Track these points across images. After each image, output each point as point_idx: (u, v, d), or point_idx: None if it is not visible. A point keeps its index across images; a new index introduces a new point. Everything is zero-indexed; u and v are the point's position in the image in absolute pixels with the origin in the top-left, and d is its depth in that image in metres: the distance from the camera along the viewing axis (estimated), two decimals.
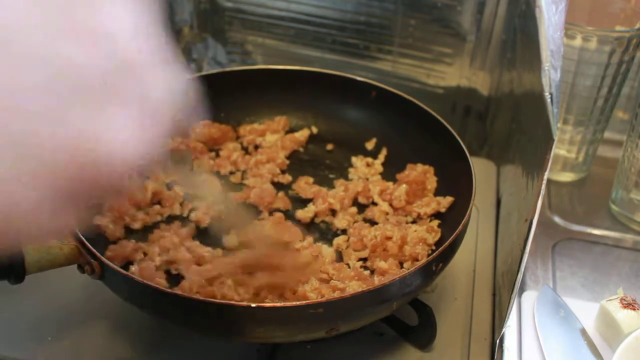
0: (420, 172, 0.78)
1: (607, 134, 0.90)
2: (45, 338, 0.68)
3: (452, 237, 0.64)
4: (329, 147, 0.87)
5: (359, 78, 0.85)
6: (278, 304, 0.59)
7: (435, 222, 0.74)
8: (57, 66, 0.28)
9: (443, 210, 0.75)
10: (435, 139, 0.79)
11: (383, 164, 0.83)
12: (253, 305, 0.57)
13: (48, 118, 0.27)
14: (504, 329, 0.66)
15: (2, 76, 0.26)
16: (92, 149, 0.29)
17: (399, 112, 0.83)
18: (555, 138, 0.55)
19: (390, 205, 0.77)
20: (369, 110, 0.85)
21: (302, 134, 0.87)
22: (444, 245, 0.63)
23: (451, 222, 0.71)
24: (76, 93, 0.28)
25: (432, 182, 0.78)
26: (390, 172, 0.82)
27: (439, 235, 0.72)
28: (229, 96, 0.86)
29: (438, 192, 0.78)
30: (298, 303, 0.60)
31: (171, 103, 0.33)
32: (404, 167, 0.80)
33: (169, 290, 0.61)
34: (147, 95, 0.31)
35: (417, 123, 0.81)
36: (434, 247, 0.71)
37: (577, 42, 0.79)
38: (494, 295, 0.75)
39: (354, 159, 0.84)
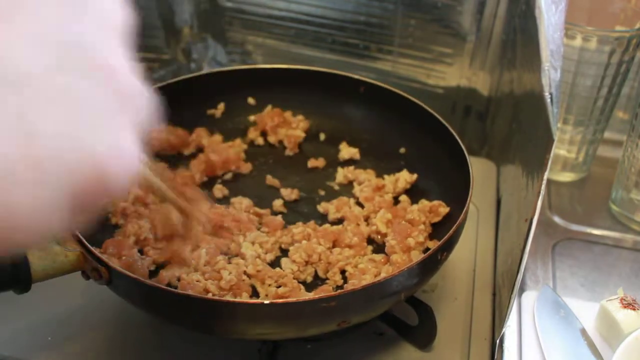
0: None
1: (607, 134, 0.90)
2: (45, 338, 0.68)
3: (457, 223, 0.64)
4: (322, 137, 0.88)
5: (345, 74, 0.85)
6: (291, 300, 0.60)
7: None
8: (72, 96, 0.32)
9: (408, 187, 0.78)
10: (421, 126, 0.80)
11: (369, 155, 0.85)
12: (267, 302, 0.57)
13: (64, 136, 0.32)
14: (504, 329, 0.66)
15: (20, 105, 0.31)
16: (98, 160, 0.33)
17: (388, 106, 0.83)
18: (555, 138, 0.55)
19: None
20: (358, 105, 0.86)
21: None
22: (449, 233, 0.63)
23: (451, 210, 0.73)
24: (86, 115, 0.33)
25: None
26: (379, 166, 0.83)
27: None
28: (222, 95, 0.86)
29: (433, 184, 0.79)
30: (311, 297, 0.61)
31: (148, 114, 0.38)
32: (393, 159, 0.82)
33: (182, 292, 0.60)
34: (136, 109, 0.36)
35: (403, 114, 0.82)
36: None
37: (577, 42, 0.79)
38: (494, 295, 0.75)
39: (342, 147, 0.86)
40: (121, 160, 0.34)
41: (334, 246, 0.72)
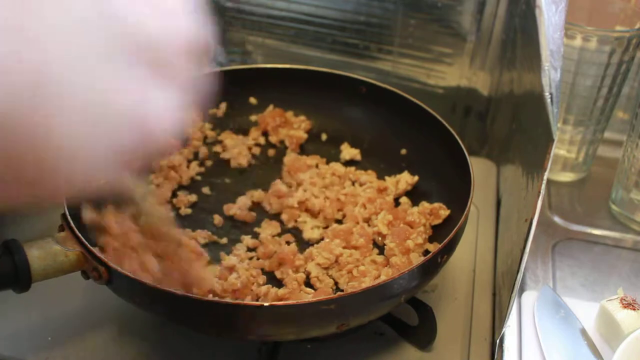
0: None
1: (607, 134, 0.90)
2: (45, 338, 0.68)
3: (457, 226, 0.64)
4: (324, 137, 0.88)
5: (347, 74, 0.85)
6: (291, 302, 0.59)
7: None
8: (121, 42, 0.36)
9: (409, 188, 0.78)
10: (422, 127, 0.80)
11: (370, 156, 0.85)
12: (266, 304, 0.57)
13: (113, 91, 0.36)
14: (504, 329, 0.66)
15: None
16: (144, 116, 0.37)
17: (389, 107, 0.83)
18: (555, 138, 0.55)
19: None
20: (359, 106, 0.85)
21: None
22: (449, 236, 0.63)
23: (451, 211, 0.73)
24: (133, 68, 0.37)
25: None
26: (380, 167, 0.83)
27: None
28: (223, 95, 0.86)
29: (434, 185, 0.79)
30: (310, 300, 0.61)
31: (200, 83, 0.42)
32: (394, 161, 0.82)
33: (181, 293, 0.60)
34: (188, 72, 0.40)
35: (405, 115, 0.82)
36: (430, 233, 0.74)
37: (577, 42, 0.79)
38: (494, 295, 0.75)
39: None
40: (162, 123, 0.39)
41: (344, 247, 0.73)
